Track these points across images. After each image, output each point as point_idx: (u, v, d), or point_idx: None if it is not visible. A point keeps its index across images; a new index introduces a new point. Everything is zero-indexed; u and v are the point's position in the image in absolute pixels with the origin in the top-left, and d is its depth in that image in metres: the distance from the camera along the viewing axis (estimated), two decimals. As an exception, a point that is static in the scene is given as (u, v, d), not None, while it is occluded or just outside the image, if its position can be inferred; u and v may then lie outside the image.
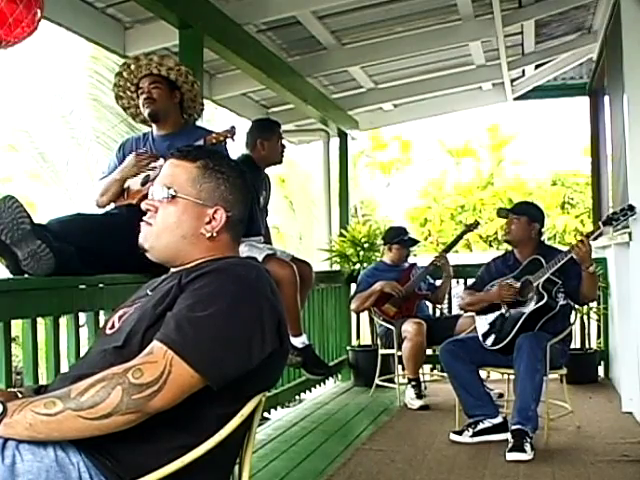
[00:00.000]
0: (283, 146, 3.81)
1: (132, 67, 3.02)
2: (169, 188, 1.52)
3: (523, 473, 3.14)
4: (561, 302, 3.64)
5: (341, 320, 5.83)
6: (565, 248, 3.77)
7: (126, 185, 2.93)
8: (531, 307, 3.65)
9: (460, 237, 5.37)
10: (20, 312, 2.26)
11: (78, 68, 10.64)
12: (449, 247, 5.25)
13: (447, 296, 5.80)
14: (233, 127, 2.95)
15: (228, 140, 2.90)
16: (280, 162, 3.82)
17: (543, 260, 3.69)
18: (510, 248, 3.96)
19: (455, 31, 5.15)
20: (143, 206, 1.56)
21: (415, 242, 5.27)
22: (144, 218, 1.55)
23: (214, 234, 1.52)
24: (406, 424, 4.22)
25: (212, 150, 1.75)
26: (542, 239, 3.96)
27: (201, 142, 2.82)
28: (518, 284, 3.72)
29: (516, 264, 3.84)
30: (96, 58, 9.93)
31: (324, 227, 6.87)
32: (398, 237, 5.12)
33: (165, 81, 3.01)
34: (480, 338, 3.77)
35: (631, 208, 3.84)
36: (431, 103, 6.82)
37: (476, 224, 5.30)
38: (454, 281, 5.94)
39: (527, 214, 3.85)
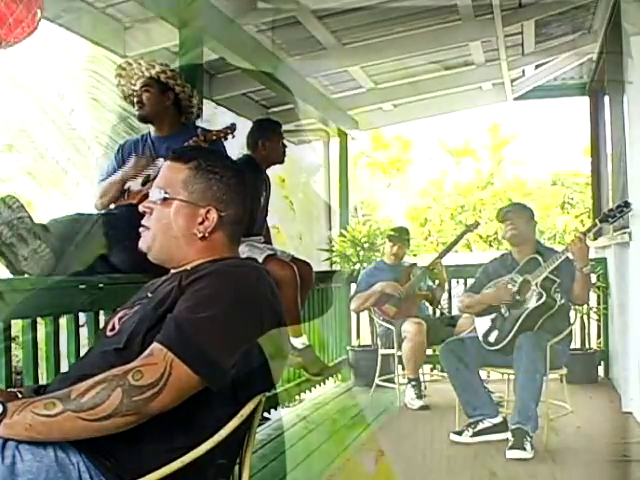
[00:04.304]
0: (284, 146, 3.81)
1: (127, 70, 3.06)
2: (163, 190, 1.53)
3: (523, 473, 3.14)
4: (560, 301, 3.64)
5: (341, 320, 5.82)
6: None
7: (127, 186, 2.95)
8: (531, 305, 3.65)
9: (460, 237, 5.38)
10: (20, 312, 2.26)
11: (78, 68, 10.62)
12: (449, 248, 5.25)
13: (447, 296, 5.82)
14: (233, 124, 2.98)
15: (228, 137, 2.92)
16: (282, 162, 3.83)
17: (541, 259, 3.69)
18: (508, 249, 3.96)
19: (455, 31, 5.15)
20: (140, 208, 1.56)
21: (403, 240, 5.23)
22: (142, 222, 1.56)
23: (206, 234, 1.53)
24: (406, 424, 4.22)
25: (207, 150, 1.75)
26: (539, 239, 3.99)
27: (191, 142, 2.82)
28: (515, 287, 3.71)
29: (514, 264, 3.84)
30: (96, 58, 9.91)
31: (324, 227, 6.86)
32: (391, 232, 5.26)
33: (156, 84, 3.02)
34: (481, 339, 3.77)
35: (627, 204, 3.83)
36: (431, 103, 6.81)
37: (476, 224, 5.33)
38: (454, 281, 5.96)
39: (526, 211, 3.91)
